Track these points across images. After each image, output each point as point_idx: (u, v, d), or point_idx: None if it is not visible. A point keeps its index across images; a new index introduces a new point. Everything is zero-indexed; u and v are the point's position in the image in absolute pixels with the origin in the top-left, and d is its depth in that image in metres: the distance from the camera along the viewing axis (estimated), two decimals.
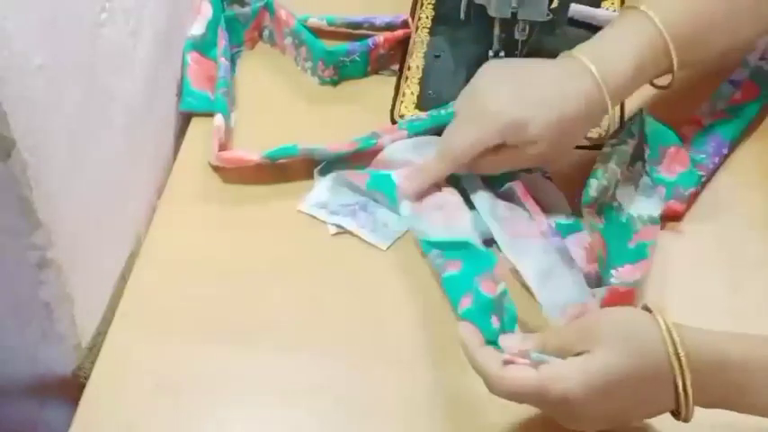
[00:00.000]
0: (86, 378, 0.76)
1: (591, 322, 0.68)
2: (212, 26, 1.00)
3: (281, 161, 0.88)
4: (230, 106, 0.95)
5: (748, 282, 0.81)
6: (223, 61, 0.97)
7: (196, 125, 0.95)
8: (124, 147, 0.82)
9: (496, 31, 0.91)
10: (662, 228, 0.83)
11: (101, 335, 0.79)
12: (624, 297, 0.76)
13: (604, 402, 0.64)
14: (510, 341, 0.70)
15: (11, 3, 0.60)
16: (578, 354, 0.65)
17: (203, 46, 0.99)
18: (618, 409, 0.66)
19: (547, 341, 0.68)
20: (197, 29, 0.99)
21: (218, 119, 0.91)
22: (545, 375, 0.65)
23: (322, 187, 0.88)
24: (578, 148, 0.91)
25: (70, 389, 0.77)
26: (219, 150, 0.89)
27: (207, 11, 1.00)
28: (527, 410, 0.72)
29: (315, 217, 0.86)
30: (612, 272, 0.78)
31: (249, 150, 0.89)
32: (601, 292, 0.76)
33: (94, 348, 0.78)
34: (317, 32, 1.01)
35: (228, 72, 0.97)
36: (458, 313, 0.74)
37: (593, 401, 0.64)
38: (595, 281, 0.79)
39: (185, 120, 0.96)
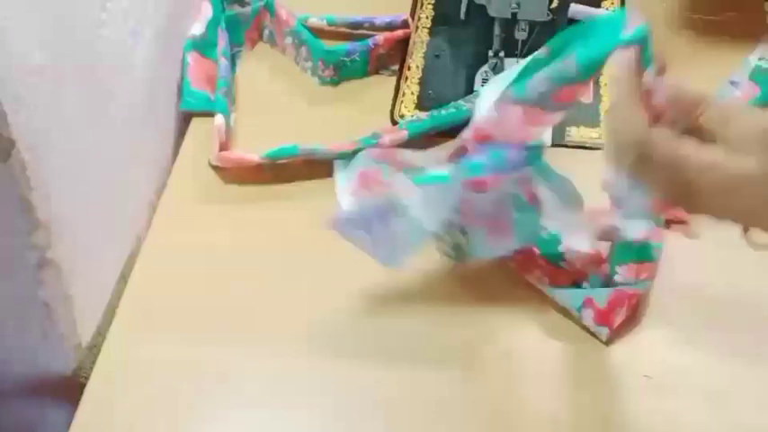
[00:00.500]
0: (86, 378, 0.76)
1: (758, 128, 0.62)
2: (212, 26, 1.00)
3: (281, 161, 0.88)
4: (230, 106, 0.95)
5: (750, 281, 0.81)
6: (223, 61, 0.97)
7: (196, 125, 0.95)
8: (124, 147, 0.82)
9: (496, 31, 0.91)
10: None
11: (101, 335, 0.79)
12: (630, 299, 0.76)
13: (733, 203, 0.60)
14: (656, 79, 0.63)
15: (11, 3, 0.60)
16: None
17: (203, 46, 0.99)
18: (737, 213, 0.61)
19: (710, 111, 0.62)
20: (197, 29, 0.99)
21: (219, 119, 0.91)
22: (703, 154, 0.60)
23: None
24: (579, 148, 0.91)
25: (70, 389, 0.77)
26: (220, 150, 0.89)
27: (207, 11, 1.00)
28: (525, 410, 0.72)
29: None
30: (617, 269, 0.78)
31: (249, 150, 0.89)
32: (605, 293, 0.76)
33: (94, 348, 0.78)
34: (318, 32, 1.01)
35: (229, 72, 0.97)
36: None
37: (724, 198, 0.60)
38: (604, 281, 0.78)
39: (185, 120, 0.96)
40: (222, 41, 0.98)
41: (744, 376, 0.74)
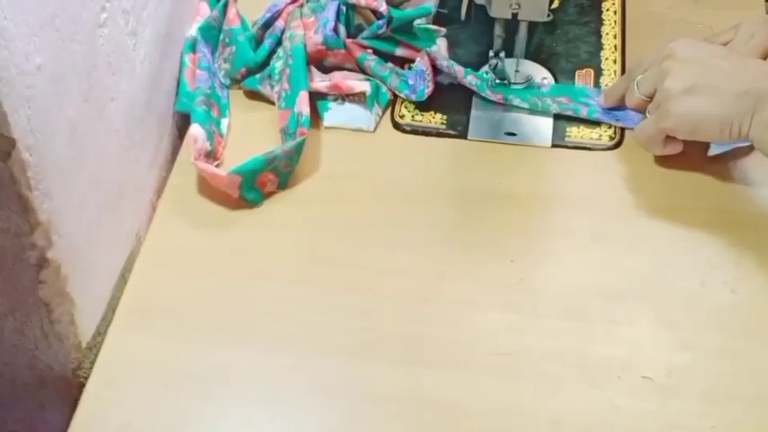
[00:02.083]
0: (86, 378, 0.77)
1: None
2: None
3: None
4: (216, 114, 0.93)
5: (749, 281, 0.80)
6: (200, 72, 0.95)
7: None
8: (124, 147, 0.82)
9: (497, 31, 0.91)
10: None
11: (101, 335, 0.79)
12: None
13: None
14: None
15: (11, 3, 0.60)
16: None
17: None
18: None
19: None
20: (195, 30, 0.99)
21: (194, 128, 0.88)
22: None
23: None
24: (579, 148, 0.91)
25: (70, 389, 0.77)
26: (207, 158, 0.88)
27: (205, 12, 1.00)
28: (524, 411, 0.72)
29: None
30: None
31: (243, 154, 0.87)
32: None
33: (94, 348, 0.78)
34: None
35: (207, 81, 0.94)
36: None
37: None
38: None
39: (185, 120, 0.95)
40: (199, 53, 0.96)
41: (743, 376, 0.75)
